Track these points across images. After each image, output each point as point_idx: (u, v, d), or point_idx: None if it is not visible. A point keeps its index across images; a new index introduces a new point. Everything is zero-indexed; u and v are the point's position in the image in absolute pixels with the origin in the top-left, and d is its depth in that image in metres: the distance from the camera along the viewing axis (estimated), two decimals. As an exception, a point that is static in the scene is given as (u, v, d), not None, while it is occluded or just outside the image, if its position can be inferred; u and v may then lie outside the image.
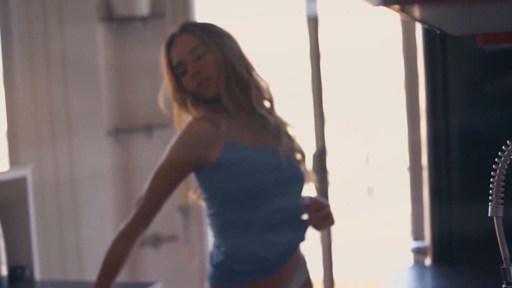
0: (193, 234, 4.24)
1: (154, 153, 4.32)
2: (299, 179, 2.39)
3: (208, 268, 2.42)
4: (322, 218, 2.39)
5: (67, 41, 4.05)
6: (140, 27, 4.23)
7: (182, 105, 2.40)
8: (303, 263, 2.46)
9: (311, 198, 2.45)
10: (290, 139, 2.44)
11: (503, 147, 1.71)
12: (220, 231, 2.34)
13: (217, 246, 2.36)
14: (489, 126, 2.75)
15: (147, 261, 4.20)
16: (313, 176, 2.49)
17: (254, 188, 2.28)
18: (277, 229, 2.31)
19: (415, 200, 3.99)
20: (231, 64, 2.34)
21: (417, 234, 3.73)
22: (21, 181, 2.97)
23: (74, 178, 4.05)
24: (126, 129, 4.25)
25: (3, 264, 2.87)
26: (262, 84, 2.42)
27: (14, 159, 3.82)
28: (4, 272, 2.87)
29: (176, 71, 2.37)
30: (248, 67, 2.39)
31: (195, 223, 4.25)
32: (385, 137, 8.27)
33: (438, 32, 1.95)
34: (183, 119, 2.42)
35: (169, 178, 2.34)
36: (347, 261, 4.73)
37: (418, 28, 2.86)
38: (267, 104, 2.43)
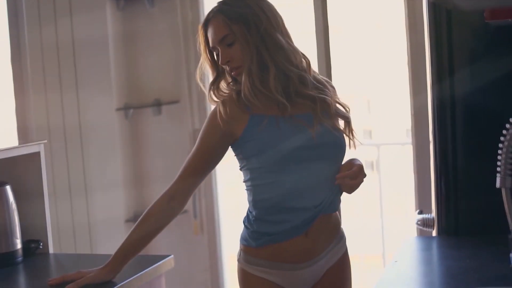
0: (202, 208, 4.30)
1: (162, 129, 4.39)
2: (334, 146, 2.43)
3: (241, 232, 2.52)
4: (350, 177, 2.39)
5: (76, 18, 4.09)
6: (148, 4, 4.27)
7: (215, 82, 2.51)
8: (339, 237, 2.51)
9: (348, 161, 2.47)
10: (329, 105, 2.46)
11: (510, 119, 1.76)
12: (251, 196, 2.45)
13: (250, 211, 2.48)
14: (494, 100, 2.80)
15: (158, 237, 4.25)
16: (355, 141, 2.51)
17: (278, 156, 2.37)
18: (305, 195, 2.39)
19: (419, 173, 4.04)
20: (258, 50, 2.39)
21: (422, 207, 3.78)
22: (35, 157, 3.01)
23: (84, 154, 4.10)
24: (135, 105, 4.30)
25: (17, 238, 2.92)
26: (297, 52, 2.46)
27: (24, 136, 3.86)
28: (19, 245, 2.93)
29: (213, 51, 2.47)
30: (277, 40, 2.42)
31: (204, 197, 4.31)
32: (388, 111, 8.31)
33: (445, 7, 2.00)
34: (215, 96, 2.51)
35: (202, 155, 2.47)
36: (353, 234, 4.79)
37: (424, 4, 2.89)
38: (303, 69, 2.47)
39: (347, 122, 2.50)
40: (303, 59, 2.47)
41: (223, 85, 2.51)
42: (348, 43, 6.82)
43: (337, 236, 2.51)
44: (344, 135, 2.48)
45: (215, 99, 2.50)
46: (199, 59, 4.14)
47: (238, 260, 2.52)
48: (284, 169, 2.39)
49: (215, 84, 2.51)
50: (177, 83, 4.34)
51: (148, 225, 2.56)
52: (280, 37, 2.42)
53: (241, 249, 2.51)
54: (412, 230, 3.73)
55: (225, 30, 2.40)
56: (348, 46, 6.80)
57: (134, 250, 2.55)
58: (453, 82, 2.83)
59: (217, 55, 2.46)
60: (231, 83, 2.50)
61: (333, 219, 2.47)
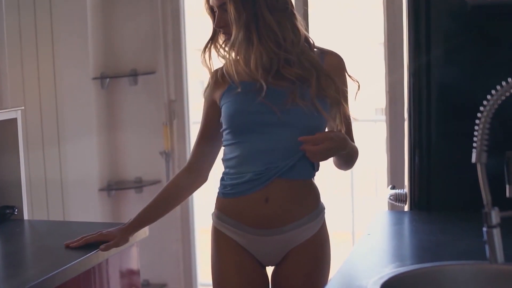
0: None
1: (138, 99, 4.40)
2: (300, 124, 2.46)
3: None
4: (312, 142, 2.41)
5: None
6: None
7: (210, 42, 2.58)
8: (315, 214, 2.55)
9: (327, 134, 2.48)
10: (310, 87, 2.48)
11: (487, 96, 1.79)
12: (223, 155, 2.59)
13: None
14: (468, 78, 2.84)
15: (131, 206, 4.29)
16: (338, 124, 2.52)
17: (242, 121, 2.48)
18: (262, 156, 2.47)
19: (392, 150, 4.09)
20: (248, 27, 2.44)
21: (394, 183, 3.83)
22: (11, 123, 3.02)
23: (59, 122, 4.11)
24: (111, 75, 4.31)
25: (-7, 203, 2.95)
26: (292, 34, 2.49)
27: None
28: (-6, 211, 2.95)
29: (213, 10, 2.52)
30: (268, 21, 2.45)
31: (177, 167, 4.33)
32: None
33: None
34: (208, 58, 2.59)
35: (203, 116, 2.63)
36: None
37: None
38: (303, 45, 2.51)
39: (337, 106, 2.51)
40: (302, 41, 2.50)
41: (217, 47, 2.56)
42: (325, 20, 6.85)
43: (312, 212, 2.55)
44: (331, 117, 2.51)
45: (207, 62, 2.57)
46: (177, 31, 4.15)
47: (212, 217, 2.61)
48: (246, 134, 2.48)
49: (209, 45, 2.56)
50: (153, 54, 4.35)
51: (168, 195, 2.67)
52: (272, 19, 2.44)
53: (215, 205, 2.61)
54: (383, 206, 3.77)
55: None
56: (325, 22, 6.82)
57: (152, 218, 2.66)
58: (429, 60, 2.87)
59: (214, 16, 2.51)
60: (222, 47, 2.55)
61: (297, 189, 2.51)
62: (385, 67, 4.03)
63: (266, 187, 2.48)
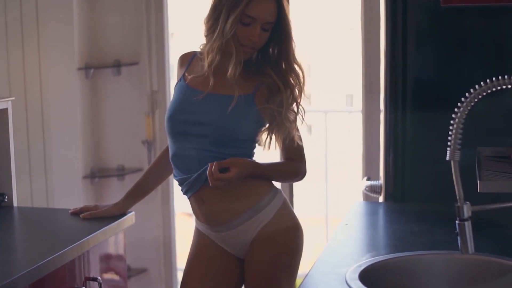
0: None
1: (121, 89, 4.47)
2: (215, 129, 2.50)
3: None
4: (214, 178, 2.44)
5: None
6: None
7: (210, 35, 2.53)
8: (256, 209, 2.56)
9: (234, 160, 2.48)
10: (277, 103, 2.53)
11: (466, 93, 1.90)
12: None
13: None
14: (443, 73, 2.95)
15: (114, 193, 4.35)
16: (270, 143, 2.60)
17: (168, 120, 2.57)
18: (183, 162, 2.56)
19: (367, 141, 4.18)
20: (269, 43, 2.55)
21: (369, 173, 3.93)
22: (2, 113, 3.09)
23: (43, 111, 4.16)
24: (95, 65, 4.38)
25: (-17, 191, 3.02)
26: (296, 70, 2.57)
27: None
28: (-16, 198, 3.03)
29: (243, 20, 2.46)
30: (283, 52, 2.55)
31: (159, 152, 4.39)
32: (329, 78, 8.44)
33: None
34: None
35: None
36: (299, 198, 4.94)
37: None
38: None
39: (268, 125, 2.56)
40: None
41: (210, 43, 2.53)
42: (304, 9, 6.92)
43: (257, 204, 2.56)
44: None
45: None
46: (160, 23, 4.18)
47: None
48: (170, 134, 2.59)
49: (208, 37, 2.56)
50: (137, 45, 4.42)
51: (156, 169, 2.81)
52: (290, 58, 2.54)
53: None
54: (357, 195, 3.87)
55: (272, 18, 2.48)
56: (304, 10, 6.90)
57: (143, 192, 2.83)
58: (406, 53, 2.96)
59: (244, 23, 2.46)
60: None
61: (231, 190, 2.52)
62: (362, 59, 4.08)
63: (198, 191, 2.55)
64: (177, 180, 2.60)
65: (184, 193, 2.61)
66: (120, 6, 4.40)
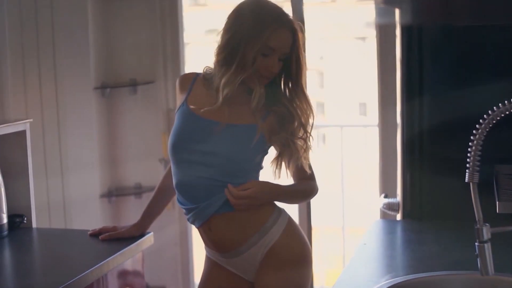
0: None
1: (138, 108, 4.50)
2: (223, 159, 2.47)
3: None
4: (233, 195, 2.45)
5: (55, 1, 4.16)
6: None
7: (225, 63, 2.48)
8: (261, 233, 2.53)
9: (254, 182, 2.50)
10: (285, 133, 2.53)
11: (484, 115, 1.89)
12: None
13: None
14: (461, 91, 2.94)
15: (131, 211, 4.37)
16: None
17: (172, 148, 2.53)
18: (187, 190, 2.52)
19: (384, 157, 4.17)
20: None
21: (385, 190, 3.92)
22: (20, 135, 3.10)
23: (60, 131, 4.18)
24: (112, 84, 4.41)
25: (3, 212, 3.02)
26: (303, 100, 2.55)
27: (1, 114, 3.90)
28: (5, 220, 3.02)
29: (264, 51, 2.44)
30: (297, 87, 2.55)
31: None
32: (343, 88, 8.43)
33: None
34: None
35: None
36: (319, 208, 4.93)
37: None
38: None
39: (279, 154, 2.55)
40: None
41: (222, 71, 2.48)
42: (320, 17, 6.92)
43: (258, 232, 2.53)
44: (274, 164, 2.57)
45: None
46: (175, 41, 4.20)
47: None
48: (174, 161, 2.54)
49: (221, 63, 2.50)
50: (152, 64, 4.44)
51: (167, 186, 2.73)
52: (303, 86, 2.53)
53: None
54: (373, 206, 3.85)
55: (289, 49, 2.46)
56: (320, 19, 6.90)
57: (158, 209, 2.83)
58: (422, 73, 2.96)
59: (264, 54, 2.44)
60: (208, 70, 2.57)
61: (237, 217, 2.51)
62: (377, 74, 4.08)
63: (206, 221, 2.52)
64: (183, 209, 2.57)
65: (192, 223, 2.58)
66: (135, 25, 4.42)
